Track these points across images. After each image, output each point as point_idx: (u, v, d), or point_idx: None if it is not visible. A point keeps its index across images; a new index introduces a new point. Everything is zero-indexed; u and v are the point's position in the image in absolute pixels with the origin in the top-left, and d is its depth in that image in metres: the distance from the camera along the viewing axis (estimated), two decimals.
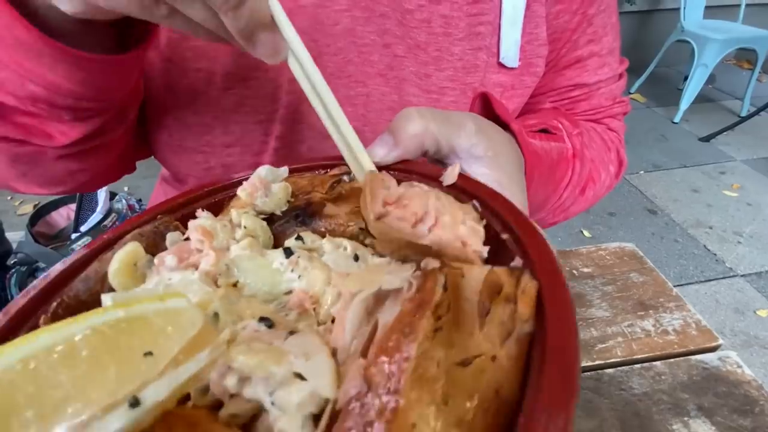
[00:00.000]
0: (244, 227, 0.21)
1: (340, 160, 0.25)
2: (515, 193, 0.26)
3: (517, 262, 0.16)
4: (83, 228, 0.97)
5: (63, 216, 1.04)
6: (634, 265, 0.50)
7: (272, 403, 0.13)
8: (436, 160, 0.27)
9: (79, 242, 0.94)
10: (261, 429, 0.14)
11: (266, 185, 0.23)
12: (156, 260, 0.19)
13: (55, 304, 0.18)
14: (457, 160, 0.26)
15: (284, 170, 0.25)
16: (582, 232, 1.74)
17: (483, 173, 0.26)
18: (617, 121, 0.50)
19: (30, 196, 1.86)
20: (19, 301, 0.18)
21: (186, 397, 0.14)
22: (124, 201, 1.05)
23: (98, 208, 0.99)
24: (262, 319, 0.15)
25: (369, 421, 0.11)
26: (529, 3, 0.39)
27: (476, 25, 0.38)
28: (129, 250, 0.19)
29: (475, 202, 0.20)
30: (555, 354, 0.12)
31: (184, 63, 0.35)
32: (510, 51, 0.39)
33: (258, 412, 0.14)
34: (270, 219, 0.23)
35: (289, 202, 0.24)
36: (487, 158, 0.26)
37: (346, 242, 0.21)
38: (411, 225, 0.17)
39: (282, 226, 0.23)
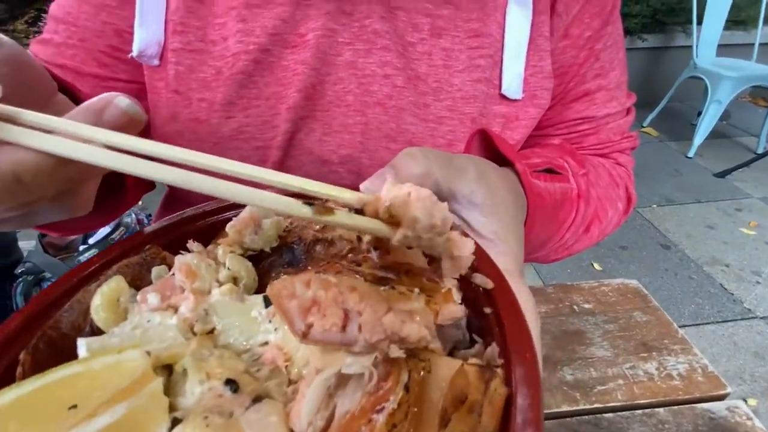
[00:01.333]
0: (228, 268, 0.20)
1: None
2: (511, 244, 0.25)
3: (494, 349, 0.16)
4: (91, 240, 0.98)
5: None
6: (638, 303, 0.48)
7: None
8: None
9: (86, 254, 0.96)
10: None
11: (257, 221, 0.22)
12: (139, 296, 0.19)
13: (35, 338, 0.17)
14: (456, 205, 0.26)
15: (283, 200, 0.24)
16: (592, 264, 1.70)
17: (480, 221, 0.25)
18: (626, 155, 0.50)
19: None
20: None
21: None
22: (133, 215, 1.07)
23: None
24: (228, 382, 0.15)
25: None
26: (534, 37, 0.39)
27: (476, 58, 0.39)
28: (112, 287, 0.19)
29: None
30: None
31: (189, 93, 0.37)
32: (513, 83, 0.40)
33: None
34: (259, 255, 0.22)
35: (280, 236, 0.23)
36: (485, 206, 0.25)
37: None
38: (339, 332, 0.15)
39: (269, 264, 0.22)
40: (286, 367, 0.17)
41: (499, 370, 0.15)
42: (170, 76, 0.37)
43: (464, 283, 0.19)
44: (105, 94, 0.20)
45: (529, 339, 0.15)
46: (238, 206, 0.23)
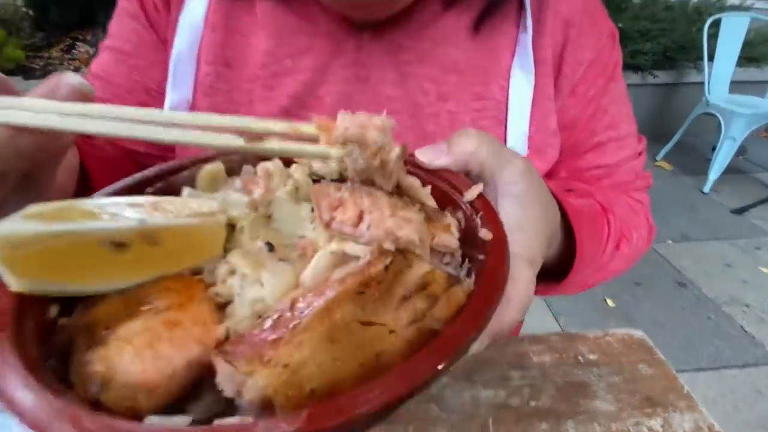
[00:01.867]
0: (294, 179, 0.25)
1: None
2: (528, 236, 0.25)
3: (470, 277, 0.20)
4: None
5: None
6: (643, 355, 0.48)
7: (238, 294, 0.18)
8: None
9: None
10: (230, 312, 0.18)
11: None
12: (229, 180, 0.26)
13: (161, 182, 0.25)
14: (492, 192, 0.26)
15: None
16: (605, 300, 1.68)
17: (509, 211, 0.25)
18: (641, 193, 0.51)
19: None
20: (132, 177, 0.25)
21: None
22: None
23: None
24: (267, 244, 0.21)
25: (277, 329, 0.15)
26: (537, 99, 0.42)
27: (480, 119, 0.42)
28: (215, 167, 0.26)
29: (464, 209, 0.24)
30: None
31: None
32: (518, 141, 0.42)
33: (232, 299, 0.19)
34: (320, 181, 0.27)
35: (341, 173, 0.26)
36: (518, 199, 0.26)
37: None
38: (353, 226, 0.20)
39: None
40: (311, 256, 0.21)
41: (464, 284, 0.19)
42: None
43: (471, 234, 0.22)
44: (55, 73, 0.21)
45: (502, 284, 0.18)
46: None
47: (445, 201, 0.25)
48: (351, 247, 0.19)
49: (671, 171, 2.69)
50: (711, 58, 2.46)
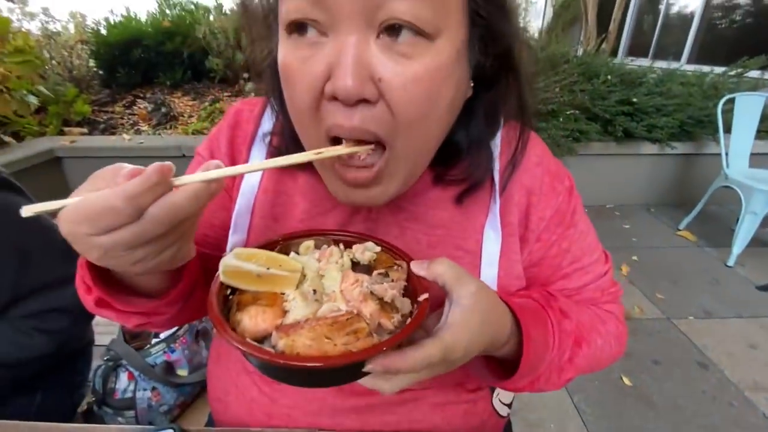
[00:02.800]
0: (342, 260, 0.43)
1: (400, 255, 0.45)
2: (461, 336, 0.37)
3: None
4: (162, 335, 1.15)
5: None
6: None
7: (290, 310, 0.37)
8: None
9: (156, 347, 1.09)
10: (286, 316, 0.37)
11: (366, 248, 0.45)
12: (312, 251, 0.45)
13: (276, 248, 0.43)
14: (448, 300, 0.39)
15: (377, 248, 0.45)
16: (622, 378, 1.67)
17: (456, 315, 0.37)
18: (611, 304, 0.57)
19: None
20: (257, 243, 0.43)
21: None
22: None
23: None
24: (314, 290, 0.38)
25: (294, 327, 0.34)
26: (504, 251, 0.51)
27: (460, 265, 0.53)
28: (309, 243, 0.45)
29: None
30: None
31: None
32: (489, 284, 0.50)
33: (289, 310, 0.37)
34: (357, 263, 0.43)
35: (370, 263, 0.43)
36: (463, 308, 0.37)
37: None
38: (350, 294, 0.39)
39: (358, 268, 0.43)
40: (333, 301, 0.38)
41: (374, 337, 0.34)
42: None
43: (414, 295, 0.40)
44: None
45: (407, 334, 0.34)
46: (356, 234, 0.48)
47: (412, 294, 0.41)
48: (341, 305, 0.38)
49: (694, 242, 2.68)
50: (728, 130, 2.50)
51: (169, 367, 1.03)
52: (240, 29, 4.01)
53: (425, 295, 0.38)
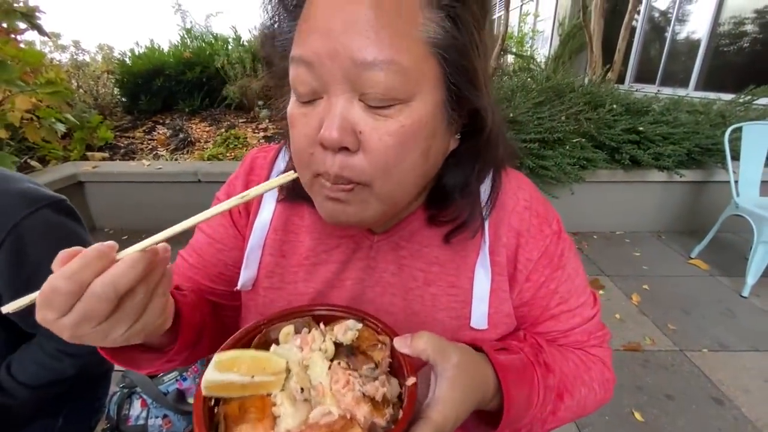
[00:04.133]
0: (325, 345, 0.42)
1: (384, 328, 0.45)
2: (446, 411, 0.38)
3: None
4: None
5: None
6: None
7: (280, 416, 0.36)
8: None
9: (169, 375, 1.12)
10: (277, 423, 0.35)
11: (347, 328, 0.44)
12: (293, 336, 0.43)
13: (257, 336, 0.44)
14: (433, 373, 0.41)
15: (359, 325, 0.45)
16: (633, 413, 1.64)
17: (441, 389, 0.39)
18: (598, 348, 0.59)
19: None
20: (238, 333, 0.43)
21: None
22: None
23: None
24: (301, 388, 0.38)
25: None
26: (494, 289, 0.54)
27: (452, 301, 0.54)
28: (288, 329, 0.44)
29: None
30: None
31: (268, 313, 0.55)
32: (480, 319, 0.53)
33: (280, 416, 0.36)
34: (340, 344, 0.43)
35: (352, 342, 0.43)
36: (448, 381, 0.40)
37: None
38: (341, 396, 0.38)
39: (340, 350, 0.43)
40: (322, 396, 0.37)
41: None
42: (259, 303, 0.57)
43: (400, 370, 0.40)
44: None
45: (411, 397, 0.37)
46: (343, 310, 0.47)
47: (397, 370, 0.42)
48: (332, 408, 0.36)
49: (707, 270, 2.64)
50: (736, 158, 2.49)
51: (181, 395, 1.06)
52: (256, 58, 4.19)
53: (412, 380, 0.39)
